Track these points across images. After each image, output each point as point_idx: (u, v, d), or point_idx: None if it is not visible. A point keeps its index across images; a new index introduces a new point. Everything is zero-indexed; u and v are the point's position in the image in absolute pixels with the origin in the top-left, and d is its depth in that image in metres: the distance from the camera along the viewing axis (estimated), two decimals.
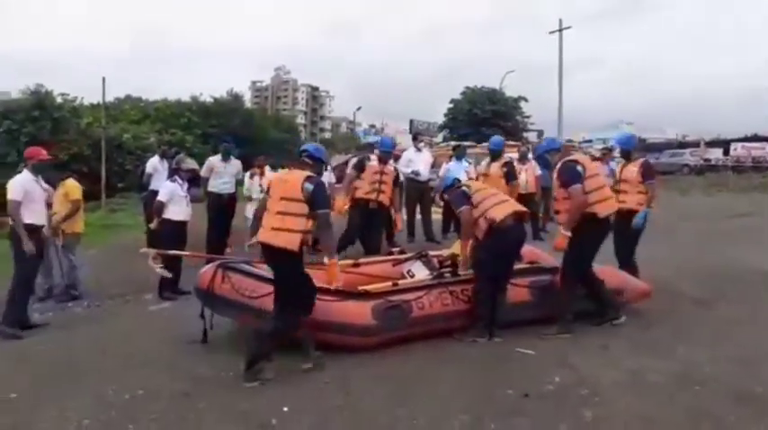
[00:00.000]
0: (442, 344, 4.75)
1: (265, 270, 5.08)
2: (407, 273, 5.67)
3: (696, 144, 33.95)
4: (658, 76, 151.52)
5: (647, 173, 5.96)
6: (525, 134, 35.07)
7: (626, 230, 5.79)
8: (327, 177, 9.83)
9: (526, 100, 38.45)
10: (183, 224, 6.80)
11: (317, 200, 4.24)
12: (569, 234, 4.88)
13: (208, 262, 5.24)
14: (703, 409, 3.53)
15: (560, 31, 29.41)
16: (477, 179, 7.45)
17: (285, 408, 3.69)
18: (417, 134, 11.13)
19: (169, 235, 6.53)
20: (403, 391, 3.92)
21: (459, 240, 5.54)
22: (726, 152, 30.92)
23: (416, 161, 9.82)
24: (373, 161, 6.84)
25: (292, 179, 4.37)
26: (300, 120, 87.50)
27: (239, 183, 8.89)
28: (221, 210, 8.28)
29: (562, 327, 4.89)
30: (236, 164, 8.33)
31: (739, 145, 31.27)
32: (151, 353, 4.90)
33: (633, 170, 6.01)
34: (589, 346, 4.64)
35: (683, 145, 35.64)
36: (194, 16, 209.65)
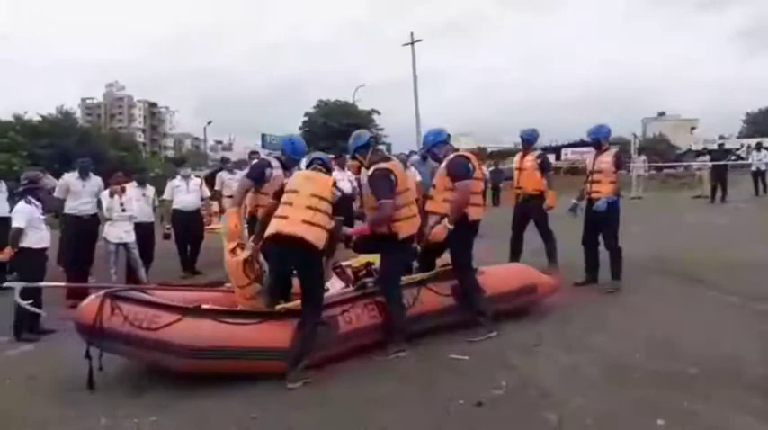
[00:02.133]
0: (365, 362, 4.39)
1: (161, 297, 4.46)
2: None
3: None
4: (497, 88, 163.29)
5: (619, 162, 6.16)
6: (380, 146, 35.74)
7: (601, 217, 5.99)
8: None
9: (378, 113, 39.35)
10: (43, 251, 5.76)
11: (339, 206, 4.37)
12: (451, 227, 4.73)
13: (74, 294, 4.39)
14: (652, 398, 3.53)
15: (412, 44, 30.55)
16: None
17: None
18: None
19: (29, 265, 5.49)
20: (352, 416, 3.51)
21: None
22: (558, 157, 33.94)
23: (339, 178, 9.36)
24: (277, 170, 5.76)
25: (322, 180, 4.39)
26: (140, 137, 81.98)
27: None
28: (81, 233, 7.20)
29: (487, 327, 4.75)
30: (95, 181, 7.31)
31: (569, 150, 34.52)
32: (14, 412, 3.93)
33: (607, 160, 6.13)
34: (522, 345, 4.55)
35: None
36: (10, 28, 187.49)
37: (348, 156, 9.05)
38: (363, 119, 38.47)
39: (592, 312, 5.33)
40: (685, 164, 22.23)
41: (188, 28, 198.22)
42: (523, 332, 4.86)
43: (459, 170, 4.84)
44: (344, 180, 9.63)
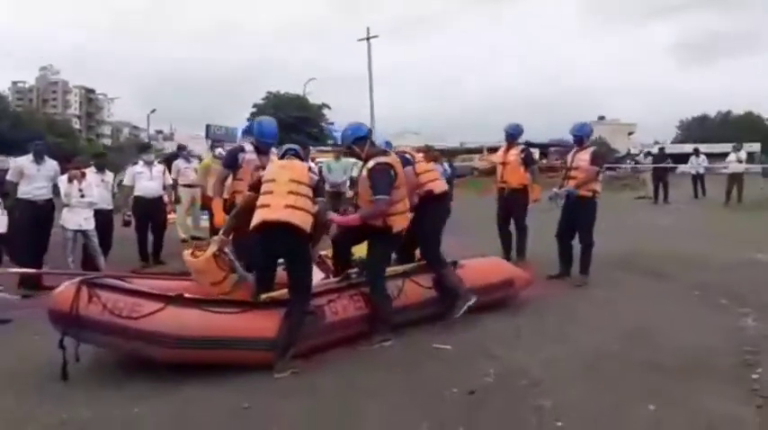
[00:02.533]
0: (351, 352, 4.37)
1: (140, 285, 4.31)
2: None
3: (480, 150, 37.55)
4: (446, 88, 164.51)
5: (597, 160, 6.28)
6: (330, 141, 35.55)
7: (577, 213, 6.22)
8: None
9: (329, 107, 39.12)
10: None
11: (318, 188, 4.45)
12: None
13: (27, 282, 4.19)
14: (638, 385, 3.66)
15: (368, 39, 30.46)
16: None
17: None
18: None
19: None
20: (345, 408, 3.48)
21: None
22: (544, 155, 34.85)
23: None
24: (250, 154, 5.23)
25: (298, 165, 4.42)
26: (75, 124, 78.51)
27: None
28: (36, 219, 6.82)
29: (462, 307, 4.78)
30: (51, 165, 6.93)
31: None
32: None
33: (585, 158, 6.28)
34: (502, 337, 4.63)
35: (470, 151, 39.11)
36: None
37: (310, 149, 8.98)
38: (314, 112, 38.23)
39: (565, 305, 5.47)
40: (634, 165, 23.09)
41: (130, 11, 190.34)
42: (502, 324, 4.95)
43: (380, 183, 4.52)
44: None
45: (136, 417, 3.45)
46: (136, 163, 8.29)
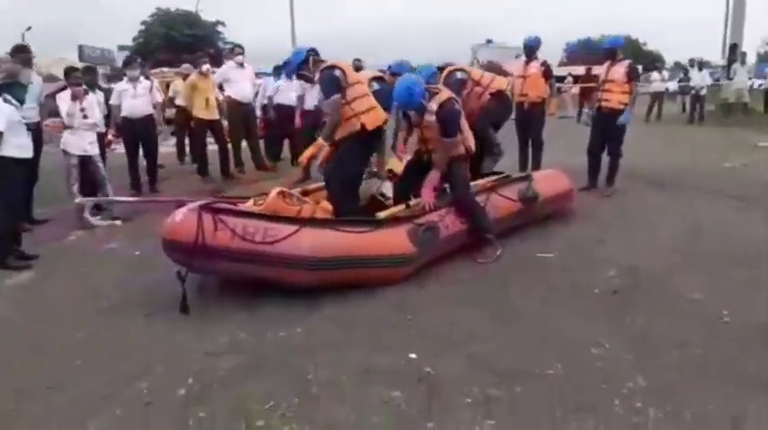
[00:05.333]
0: (467, 265, 4.42)
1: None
2: (378, 194, 5.07)
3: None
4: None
5: (634, 74, 6.36)
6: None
7: (611, 126, 6.37)
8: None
9: (224, 24, 36.60)
10: (26, 162, 4.77)
11: None
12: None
13: None
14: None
15: None
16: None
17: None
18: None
19: (6, 178, 4.56)
20: (499, 319, 3.53)
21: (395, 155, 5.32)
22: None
23: (238, 79, 8.55)
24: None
25: None
26: None
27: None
28: None
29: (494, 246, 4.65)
30: (36, 82, 5.98)
31: None
32: (115, 337, 3.38)
33: (620, 71, 6.35)
34: (585, 243, 4.89)
35: None
36: None
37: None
38: (208, 30, 35.63)
39: (612, 213, 5.81)
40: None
41: None
42: (576, 232, 5.21)
43: (325, 86, 4.55)
44: (291, 90, 9.10)
45: (298, 336, 3.31)
46: (120, 79, 7.39)
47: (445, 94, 4.52)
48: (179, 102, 9.47)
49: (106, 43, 37.19)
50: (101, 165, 6.06)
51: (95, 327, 3.53)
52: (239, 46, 8.62)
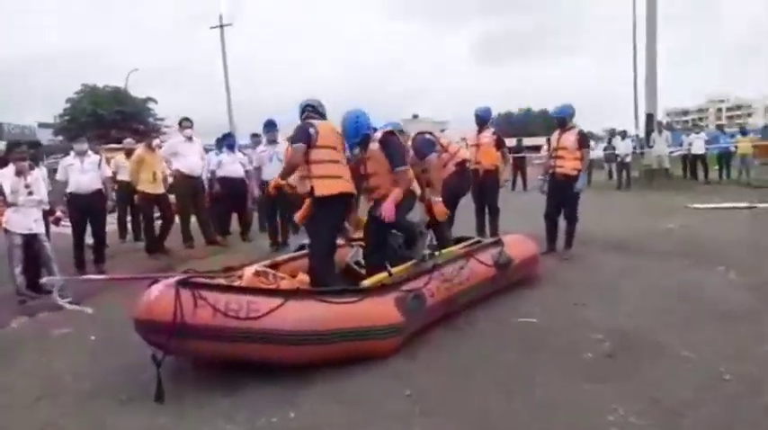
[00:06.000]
0: (438, 335, 4.29)
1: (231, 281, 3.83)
2: (353, 263, 4.95)
3: None
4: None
5: (584, 140, 6.58)
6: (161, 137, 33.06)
7: (566, 192, 6.61)
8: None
9: (155, 101, 36.16)
10: None
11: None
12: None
13: None
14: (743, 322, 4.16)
15: (221, 27, 29.30)
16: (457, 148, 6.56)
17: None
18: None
19: None
20: (505, 387, 3.44)
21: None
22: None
23: (187, 152, 8.37)
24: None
25: (338, 130, 4.58)
26: None
27: None
28: None
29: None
30: None
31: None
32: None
33: (571, 138, 6.56)
34: (565, 305, 4.88)
35: None
36: None
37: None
38: (138, 106, 35.09)
39: (584, 276, 5.89)
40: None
41: None
42: (552, 295, 5.22)
43: (295, 133, 4.51)
44: (235, 163, 8.99)
45: (292, 422, 3.06)
46: (67, 154, 7.04)
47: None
48: (121, 177, 9.13)
49: (26, 121, 36.05)
50: (47, 243, 5.65)
51: (66, 419, 3.15)
52: (187, 119, 8.45)
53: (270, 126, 8.11)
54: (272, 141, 8.04)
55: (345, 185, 4.43)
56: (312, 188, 4.37)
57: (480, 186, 7.30)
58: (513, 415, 3.03)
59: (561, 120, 6.89)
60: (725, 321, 4.28)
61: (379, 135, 4.60)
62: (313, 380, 3.48)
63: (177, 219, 8.31)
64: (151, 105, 36.01)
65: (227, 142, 9.21)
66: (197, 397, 3.39)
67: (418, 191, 4.85)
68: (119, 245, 8.97)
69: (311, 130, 4.36)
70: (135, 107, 34.84)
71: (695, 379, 3.35)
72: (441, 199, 5.15)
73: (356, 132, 4.55)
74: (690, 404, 3.04)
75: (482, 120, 7.39)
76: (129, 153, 9.13)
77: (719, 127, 29.89)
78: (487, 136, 7.28)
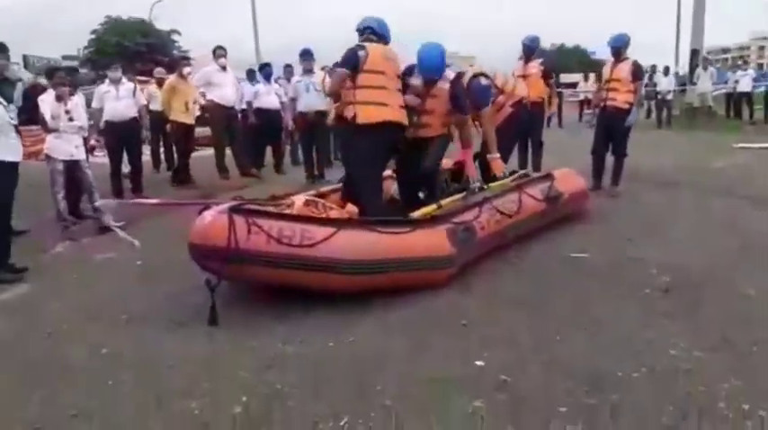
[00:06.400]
0: (492, 271, 4.19)
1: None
2: (397, 195, 4.86)
3: None
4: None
5: (639, 72, 6.25)
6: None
7: (617, 125, 6.33)
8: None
9: (179, 33, 35.64)
10: (14, 166, 4.35)
11: None
12: None
13: None
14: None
15: None
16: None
17: None
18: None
19: None
20: (561, 321, 3.36)
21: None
22: None
23: (221, 82, 8.20)
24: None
25: (396, 57, 4.33)
26: None
27: None
28: None
29: None
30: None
31: None
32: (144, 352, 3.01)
33: (625, 69, 6.27)
34: (614, 241, 4.75)
35: None
36: None
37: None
38: (163, 38, 34.64)
39: (627, 211, 5.73)
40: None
41: None
42: (601, 230, 5.08)
43: (342, 57, 4.33)
44: (271, 94, 8.80)
45: (351, 345, 3.03)
46: (102, 81, 6.95)
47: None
48: (153, 106, 9.02)
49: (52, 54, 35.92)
50: (88, 170, 5.62)
51: (120, 342, 3.16)
52: (221, 47, 8.23)
53: (306, 55, 7.87)
54: (308, 71, 7.83)
55: (393, 113, 4.22)
56: (355, 115, 4.18)
57: (526, 119, 7.02)
58: (574, 346, 2.96)
59: (616, 49, 6.52)
60: None
61: (451, 74, 4.44)
62: (367, 308, 3.44)
63: (212, 149, 8.25)
64: (176, 38, 35.55)
65: (264, 72, 8.99)
66: (251, 322, 3.38)
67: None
68: (153, 175, 8.97)
69: (360, 53, 4.16)
70: (160, 39, 34.41)
71: (758, 317, 3.23)
72: (498, 155, 4.98)
73: (439, 67, 4.39)
74: (757, 341, 2.93)
75: (529, 49, 7.03)
76: (160, 83, 9.00)
77: (760, 66, 28.54)
78: (535, 66, 6.94)
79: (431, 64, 4.36)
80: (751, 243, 4.56)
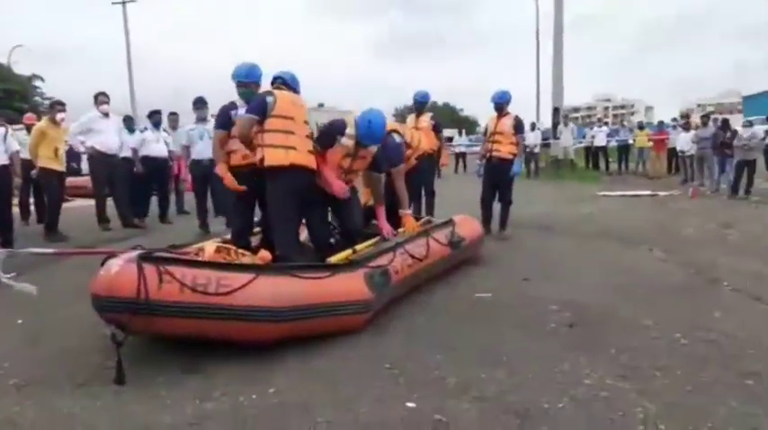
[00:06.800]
0: (401, 314, 4.23)
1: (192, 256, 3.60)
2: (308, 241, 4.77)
3: None
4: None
5: (520, 126, 6.61)
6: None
7: (502, 175, 6.77)
8: None
9: (42, 79, 33.46)
10: None
11: None
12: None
13: None
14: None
15: (123, 3, 27.61)
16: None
17: None
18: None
19: None
20: (480, 359, 3.46)
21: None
22: None
23: (103, 129, 7.77)
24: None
25: (304, 105, 4.34)
26: None
27: None
28: None
29: None
30: None
31: None
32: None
33: (508, 123, 6.62)
34: (513, 280, 4.99)
35: None
36: None
37: None
38: (23, 84, 32.33)
39: (524, 254, 6.07)
40: None
41: None
42: (499, 271, 5.31)
43: (251, 105, 4.37)
44: (160, 142, 8.50)
45: (274, 396, 2.90)
46: None
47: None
48: (22, 154, 8.28)
49: None
50: None
51: (18, 407, 2.79)
52: (104, 94, 7.82)
53: (199, 103, 7.69)
54: (202, 119, 7.63)
55: (300, 158, 4.22)
56: (263, 157, 4.15)
57: (419, 169, 7.30)
58: (498, 382, 3.04)
59: (499, 105, 7.04)
60: (669, 294, 4.56)
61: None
62: (282, 357, 3.32)
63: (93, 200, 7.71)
64: (38, 83, 33.32)
65: (153, 119, 8.64)
66: (161, 377, 3.13)
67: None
68: (22, 227, 8.16)
69: (269, 98, 4.16)
70: (18, 85, 32.06)
71: (656, 345, 3.53)
72: (410, 210, 5.11)
73: (381, 136, 4.54)
74: (659, 367, 3.18)
75: (420, 104, 7.39)
76: (29, 129, 8.32)
77: (606, 123, 32.06)
78: (426, 120, 7.28)
79: (376, 134, 4.44)
80: (635, 279, 5.00)
